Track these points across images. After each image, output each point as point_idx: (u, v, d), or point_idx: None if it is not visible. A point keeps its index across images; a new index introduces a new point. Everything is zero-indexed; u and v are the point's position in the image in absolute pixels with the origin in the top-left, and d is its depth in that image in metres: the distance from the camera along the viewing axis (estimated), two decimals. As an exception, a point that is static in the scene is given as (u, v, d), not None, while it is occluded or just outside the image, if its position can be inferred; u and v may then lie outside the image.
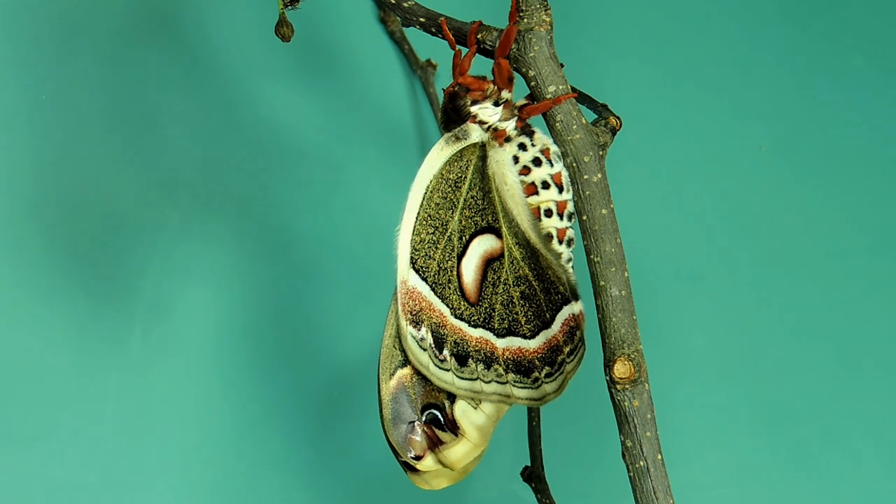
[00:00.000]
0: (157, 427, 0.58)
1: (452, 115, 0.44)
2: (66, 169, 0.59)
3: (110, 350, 0.58)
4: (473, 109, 0.44)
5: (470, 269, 0.43)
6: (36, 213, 0.58)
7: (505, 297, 0.43)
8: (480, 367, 0.44)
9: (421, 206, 0.43)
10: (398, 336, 0.44)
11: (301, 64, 0.64)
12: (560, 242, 0.43)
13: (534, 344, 0.43)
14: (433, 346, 0.43)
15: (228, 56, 0.62)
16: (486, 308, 0.44)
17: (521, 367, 0.44)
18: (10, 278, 0.57)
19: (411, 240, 0.43)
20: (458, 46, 0.44)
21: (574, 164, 0.42)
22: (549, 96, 0.42)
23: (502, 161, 0.43)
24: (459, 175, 0.43)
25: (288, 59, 0.63)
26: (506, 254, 0.43)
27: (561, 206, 0.43)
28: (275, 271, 0.61)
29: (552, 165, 0.43)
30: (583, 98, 0.44)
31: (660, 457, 0.40)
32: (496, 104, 0.44)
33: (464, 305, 0.44)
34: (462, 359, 0.44)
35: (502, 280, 0.43)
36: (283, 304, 0.61)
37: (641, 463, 0.40)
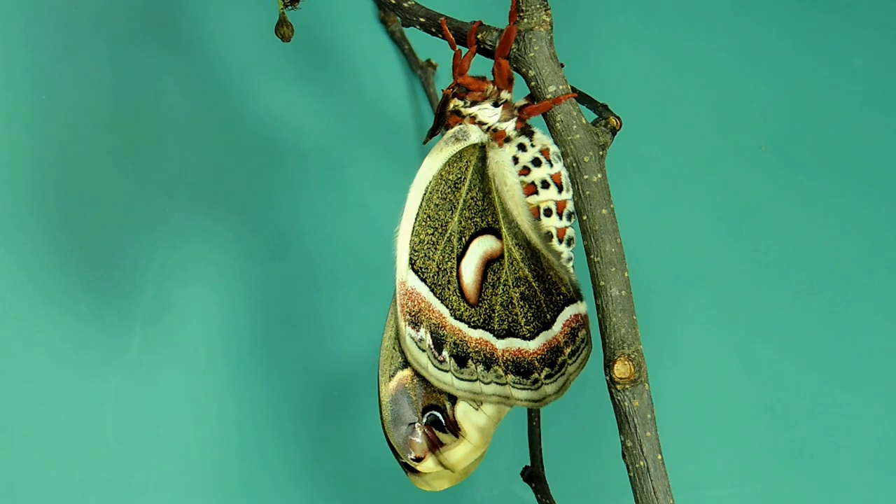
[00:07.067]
0: (156, 427, 0.58)
1: (441, 119, 0.44)
2: (66, 169, 0.59)
3: (110, 350, 0.58)
4: (473, 110, 0.44)
5: (469, 270, 0.43)
6: (36, 213, 0.58)
7: (505, 298, 0.43)
8: (480, 368, 0.44)
9: (420, 207, 0.43)
10: (398, 337, 0.44)
11: (301, 64, 0.64)
12: (560, 241, 0.43)
13: (533, 345, 0.43)
14: (432, 347, 0.43)
15: (228, 56, 0.62)
16: (485, 309, 0.44)
17: (521, 369, 0.44)
18: (9, 278, 0.57)
19: (410, 240, 0.43)
20: (458, 46, 0.44)
21: (574, 164, 0.42)
22: (549, 96, 0.42)
23: (502, 162, 0.43)
24: (459, 176, 0.43)
25: (288, 59, 0.63)
26: (505, 255, 0.43)
27: (560, 206, 0.43)
28: (275, 271, 0.61)
29: (552, 165, 0.43)
30: (583, 98, 0.44)
31: (660, 457, 0.40)
32: (496, 105, 0.44)
33: (463, 306, 0.44)
34: (461, 360, 0.44)
35: (502, 281, 0.43)
36: (283, 304, 0.62)
37: (641, 463, 0.40)
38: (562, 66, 0.42)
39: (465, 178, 0.43)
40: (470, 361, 0.44)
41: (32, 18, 0.59)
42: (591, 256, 0.41)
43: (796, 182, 0.71)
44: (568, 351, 0.43)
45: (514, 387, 0.44)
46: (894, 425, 0.68)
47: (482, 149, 0.43)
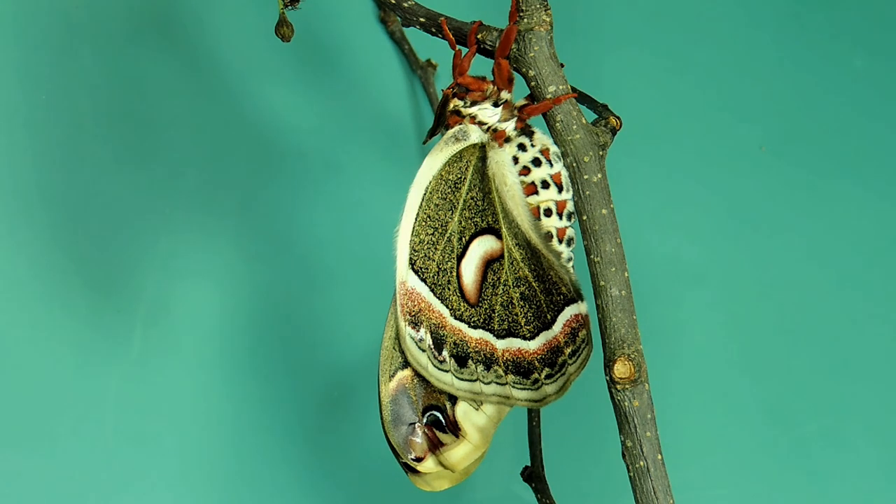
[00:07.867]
0: (157, 427, 0.58)
1: (441, 119, 0.44)
2: (66, 169, 0.59)
3: (111, 350, 0.58)
4: (473, 110, 0.44)
5: (470, 270, 0.43)
6: (36, 213, 0.58)
7: (505, 298, 0.43)
8: (480, 368, 0.44)
9: (420, 207, 0.43)
10: (398, 337, 0.44)
11: (301, 64, 0.64)
12: (560, 242, 0.43)
13: (533, 345, 0.43)
14: (432, 347, 0.43)
15: (228, 56, 0.62)
16: (485, 309, 0.44)
17: (521, 369, 0.44)
18: (10, 278, 0.57)
19: (410, 241, 0.43)
20: (458, 46, 0.44)
21: (574, 164, 0.42)
22: (549, 96, 0.42)
23: (502, 162, 0.43)
24: (459, 176, 0.43)
25: (288, 59, 0.63)
26: (506, 255, 0.43)
27: (560, 206, 0.43)
28: (275, 271, 0.61)
29: (552, 165, 0.43)
30: (583, 98, 0.44)
31: (660, 457, 0.40)
32: (496, 105, 0.44)
33: (463, 306, 0.44)
34: (461, 360, 0.44)
35: (502, 281, 0.43)
36: (283, 304, 0.61)
37: (641, 463, 0.40)
38: (562, 66, 0.42)
39: (465, 178, 0.43)
40: (470, 361, 0.44)
41: (32, 18, 0.59)
42: (591, 256, 0.41)
43: (796, 182, 0.71)
44: (568, 351, 0.43)
45: (514, 387, 0.44)
46: (894, 425, 0.68)
47: (482, 149, 0.43)
